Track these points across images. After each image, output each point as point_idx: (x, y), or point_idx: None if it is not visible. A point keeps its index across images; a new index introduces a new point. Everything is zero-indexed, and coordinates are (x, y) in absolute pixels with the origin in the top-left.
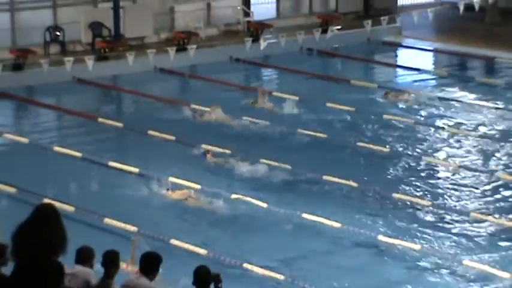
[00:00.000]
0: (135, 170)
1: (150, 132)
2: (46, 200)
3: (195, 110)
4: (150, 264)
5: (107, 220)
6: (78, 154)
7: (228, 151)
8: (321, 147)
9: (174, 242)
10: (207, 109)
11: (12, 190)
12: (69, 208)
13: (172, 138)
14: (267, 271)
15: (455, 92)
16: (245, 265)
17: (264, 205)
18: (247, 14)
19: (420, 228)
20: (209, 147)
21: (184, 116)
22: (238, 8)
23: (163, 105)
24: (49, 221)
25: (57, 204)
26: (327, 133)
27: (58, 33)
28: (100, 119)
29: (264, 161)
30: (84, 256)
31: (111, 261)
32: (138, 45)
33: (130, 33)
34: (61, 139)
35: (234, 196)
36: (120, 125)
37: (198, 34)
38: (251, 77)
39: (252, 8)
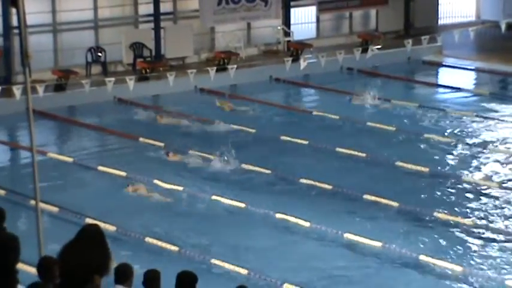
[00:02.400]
0: (180, 188)
1: (191, 151)
2: (89, 220)
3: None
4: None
5: (148, 239)
6: (123, 173)
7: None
8: (361, 166)
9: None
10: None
11: (55, 209)
12: (111, 228)
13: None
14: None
15: (496, 111)
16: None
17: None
18: (287, 33)
19: (462, 249)
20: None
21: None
22: (278, 27)
23: (202, 125)
24: (94, 241)
25: (100, 223)
26: (367, 152)
27: (100, 54)
28: (141, 139)
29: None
30: (123, 275)
31: (152, 280)
32: (179, 65)
33: (171, 53)
34: (104, 158)
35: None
36: (161, 144)
37: (238, 54)
38: (291, 96)
39: (292, 27)
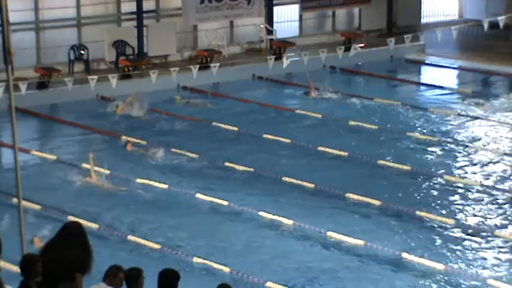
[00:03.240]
0: (164, 186)
1: (174, 149)
2: (72, 218)
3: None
4: (169, 282)
5: (130, 237)
6: (107, 172)
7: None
8: (343, 165)
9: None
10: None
11: (37, 207)
12: (94, 225)
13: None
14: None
15: (478, 110)
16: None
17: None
18: (270, 32)
19: (445, 247)
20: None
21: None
22: (261, 26)
23: (187, 123)
24: (75, 238)
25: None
26: (348, 151)
27: (82, 51)
28: (123, 137)
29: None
30: (109, 274)
31: (134, 278)
32: (162, 63)
33: (154, 51)
34: (86, 156)
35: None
36: (144, 142)
37: (221, 52)
38: (274, 95)
39: (275, 26)
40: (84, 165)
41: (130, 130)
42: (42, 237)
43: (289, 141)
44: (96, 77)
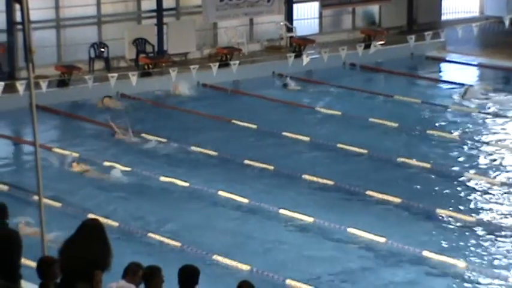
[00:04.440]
0: (185, 184)
1: (193, 148)
2: (91, 215)
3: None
4: (189, 278)
5: (151, 235)
6: (128, 168)
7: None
8: (363, 162)
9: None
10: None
11: (57, 205)
12: (114, 223)
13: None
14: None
15: (499, 107)
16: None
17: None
18: (289, 29)
19: (465, 245)
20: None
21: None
22: (281, 23)
23: (207, 121)
24: (94, 236)
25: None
26: (368, 148)
27: (102, 49)
28: (143, 135)
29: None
30: (128, 271)
31: (152, 276)
32: (181, 61)
33: (174, 49)
34: (109, 154)
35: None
36: (164, 140)
37: (241, 50)
38: (293, 92)
39: (295, 23)
40: (106, 162)
41: (151, 128)
42: (57, 236)
43: (308, 138)
44: (116, 74)
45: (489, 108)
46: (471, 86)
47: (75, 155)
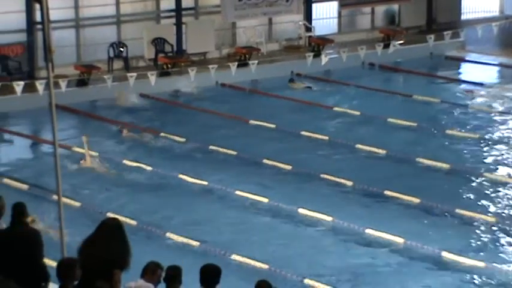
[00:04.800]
0: (204, 182)
1: (212, 147)
2: (111, 214)
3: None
4: (210, 277)
5: (169, 234)
6: (149, 168)
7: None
8: (382, 162)
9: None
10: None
11: (77, 204)
12: (132, 222)
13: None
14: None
15: None
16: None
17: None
18: (308, 29)
19: (484, 245)
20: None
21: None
22: (300, 23)
23: (225, 121)
24: (114, 235)
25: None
26: (387, 148)
27: (122, 49)
28: (162, 134)
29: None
30: (146, 270)
31: (173, 276)
32: (200, 60)
33: (193, 48)
34: (128, 153)
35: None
36: (183, 139)
37: (260, 49)
38: (312, 92)
39: (314, 23)
40: (125, 161)
41: (170, 127)
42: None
43: (327, 138)
44: (135, 74)
45: (510, 108)
46: None
47: (95, 154)
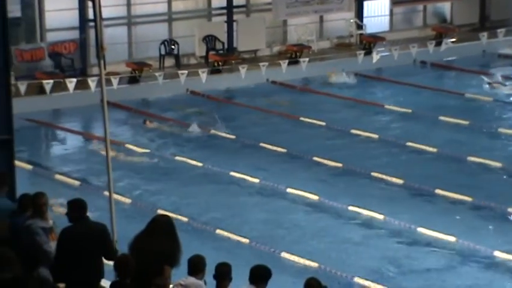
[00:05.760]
0: (256, 180)
1: (262, 144)
2: (161, 211)
3: None
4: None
5: (219, 231)
6: (199, 164)
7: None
8: (432, 160)
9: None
10: None
11: (128, 201)
12: (184, 218)
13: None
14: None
15: None
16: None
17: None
18: (359, 26)
19: None
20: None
21: (296, 129)
22: (351, 20)
23: (275, 118)
24: (165, 232)
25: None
26: (438, 146)
27: (173, 46)
28: (212, 131)
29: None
30: (195, 266)
31: (224, 274)
32: (251, 58)
33: (243, 46)
34: (179, 149)
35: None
36: (233, 136)
37: (311, 47)
38: (363, 90)
39: (365, 20)
40: (176, 157)
41: (220, 124)
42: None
43: (377, 136)
44: (186, 71)
45: None
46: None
47: (146, 151)
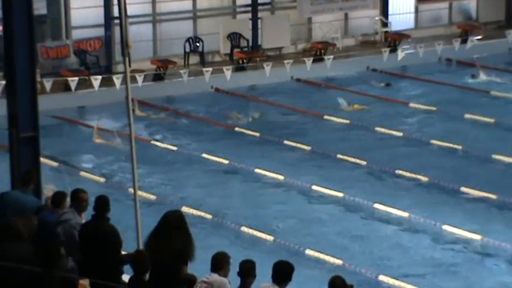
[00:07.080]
0: (280, 177)
1: (286, 142)
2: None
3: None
4: (284, 274)
5: (244, 228)
6: (225, 161)
7: None
8: (457, 159)
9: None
10: None
11: (152, 197)
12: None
13: (308, 148)
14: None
15: None
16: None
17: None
18: (384, 24)
19: None
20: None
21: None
22: (376, 18)
23: (300, 116)
24: (177, 229)
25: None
26: (463, 144)
27: (198, 44)
28: (236, 129)
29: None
30: (218, 263)
31: (248, 271)
32: (276, 55)
33: (268, 43)
34: (205, 146)
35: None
36: (257, 134)
37: (335, 44)
38: (388, 87)
39: (390, 18)
40: (204, 155)
41: (244, 121)
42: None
43: (402, 134)
44: (210, 69)
45: None
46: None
47: (173, 148)
